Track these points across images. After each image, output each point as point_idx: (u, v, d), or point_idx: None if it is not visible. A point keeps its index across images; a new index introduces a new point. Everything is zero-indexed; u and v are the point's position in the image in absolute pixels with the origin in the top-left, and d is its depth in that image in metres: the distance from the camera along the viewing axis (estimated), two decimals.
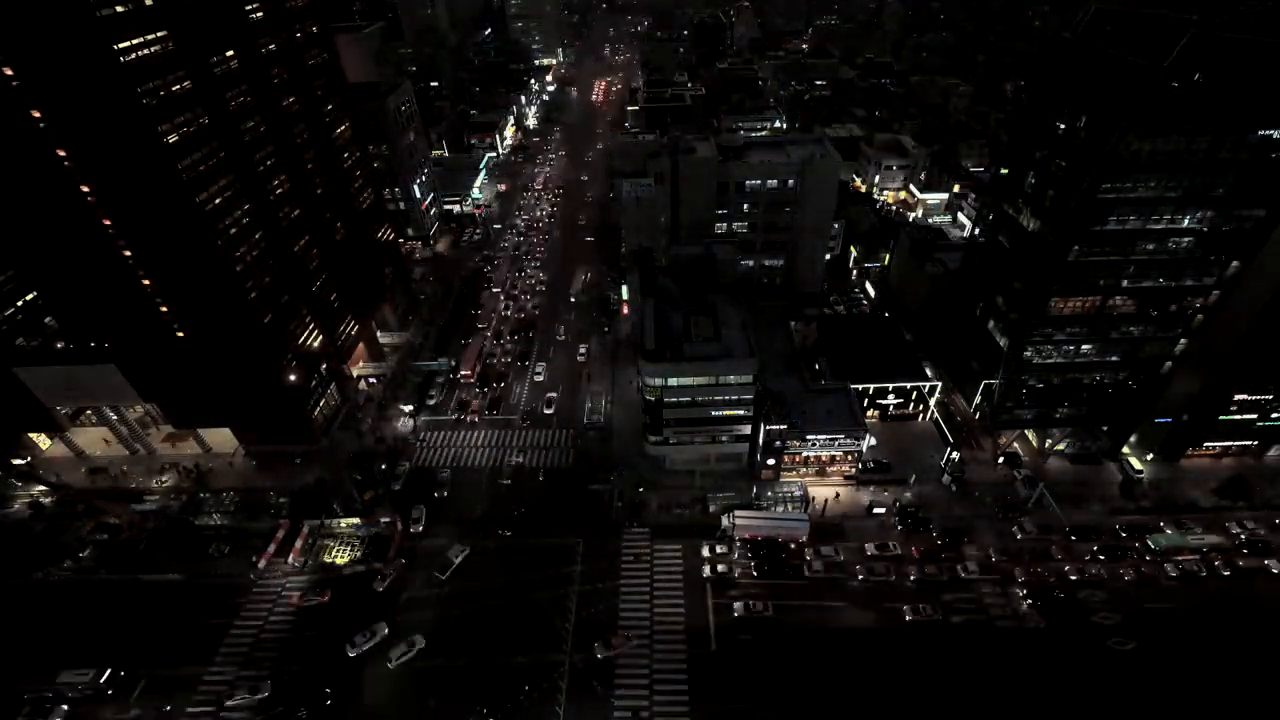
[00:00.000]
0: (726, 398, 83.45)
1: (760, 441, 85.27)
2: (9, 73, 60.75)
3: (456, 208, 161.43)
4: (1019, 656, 67.64)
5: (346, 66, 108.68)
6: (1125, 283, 74.96)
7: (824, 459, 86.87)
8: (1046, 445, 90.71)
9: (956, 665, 66.88)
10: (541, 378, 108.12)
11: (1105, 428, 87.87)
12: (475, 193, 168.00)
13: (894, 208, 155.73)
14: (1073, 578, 74.81)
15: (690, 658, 68.27)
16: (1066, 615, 71.15)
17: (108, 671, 66.79)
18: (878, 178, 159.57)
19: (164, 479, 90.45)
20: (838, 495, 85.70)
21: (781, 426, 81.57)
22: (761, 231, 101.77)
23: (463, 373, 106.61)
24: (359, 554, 79.03)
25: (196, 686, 66.77)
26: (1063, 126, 73.19)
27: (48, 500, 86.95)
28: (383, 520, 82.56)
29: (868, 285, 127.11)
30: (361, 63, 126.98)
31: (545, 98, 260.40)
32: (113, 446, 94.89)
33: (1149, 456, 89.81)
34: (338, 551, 79.56)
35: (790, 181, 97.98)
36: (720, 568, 76.93)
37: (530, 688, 65.53)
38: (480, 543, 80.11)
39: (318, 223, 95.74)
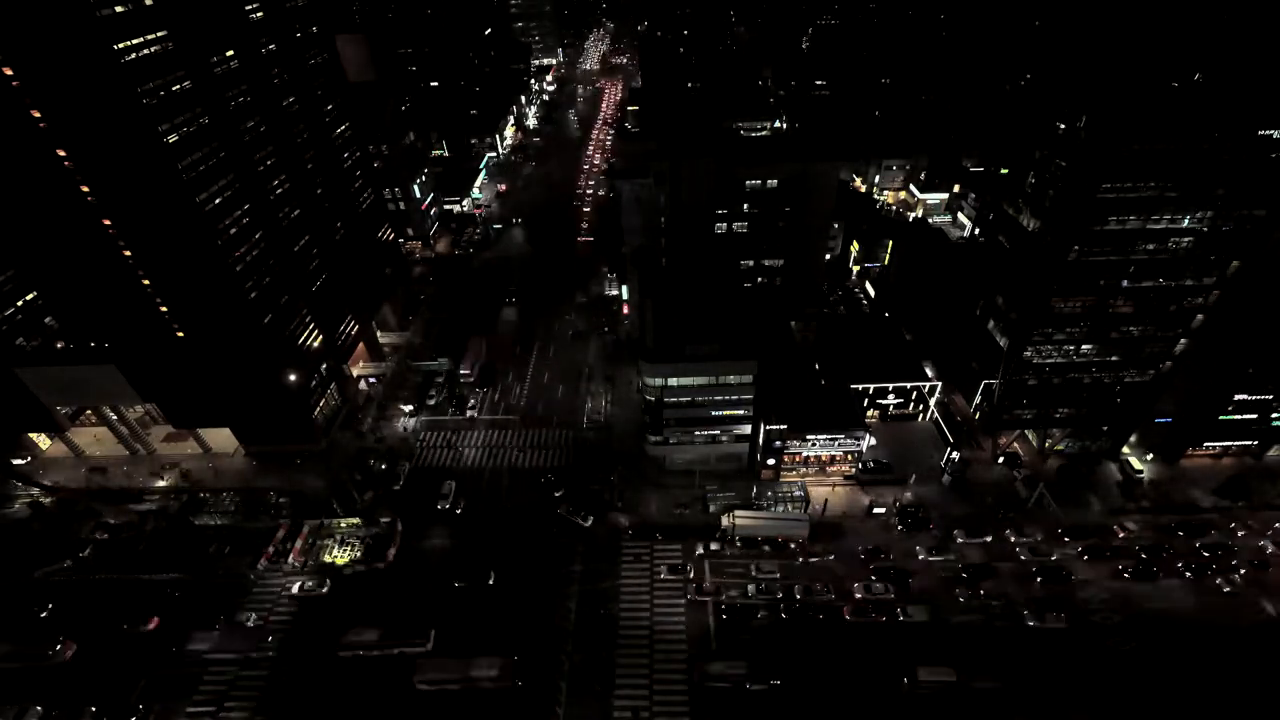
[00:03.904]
0: (726, 398, 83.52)
1: (760, 441, 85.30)
2: (9, 73, 60.75)
3: (456, 208, 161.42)
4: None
5: (346, 66, 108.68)
6: (1125, 283, 75.01)
7: (824, 459, 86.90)
8: (1046, 445, 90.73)
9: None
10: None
11: (1105, 428, 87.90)
12: (475, 193, 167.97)
13: (894, 208, 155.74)
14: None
15: (690, 657, 68.24)
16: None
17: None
18: (878, 178, 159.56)
19: (164, 480, 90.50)
20: (834, 488, 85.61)
21: (782, 426, 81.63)
22: (761, 231, 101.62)
23: (463, 371, 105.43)
24: (359, 554, 79.06)
25: (197, 687, 66.82)
26: (1063, 126, 73.20)
27: (47, 500, 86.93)
28: (383, 520, 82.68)
29: (868, 285, 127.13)
30: (361, 63, 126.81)
31: (545, 98, 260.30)
32: (113, 446, 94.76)
33: (1149, 456, 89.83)
34: (338, 552, 79.54)
35: (790, 182, 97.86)
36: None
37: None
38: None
39: (318, 223, 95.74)
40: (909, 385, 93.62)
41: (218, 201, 73.97)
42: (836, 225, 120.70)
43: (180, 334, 79.45)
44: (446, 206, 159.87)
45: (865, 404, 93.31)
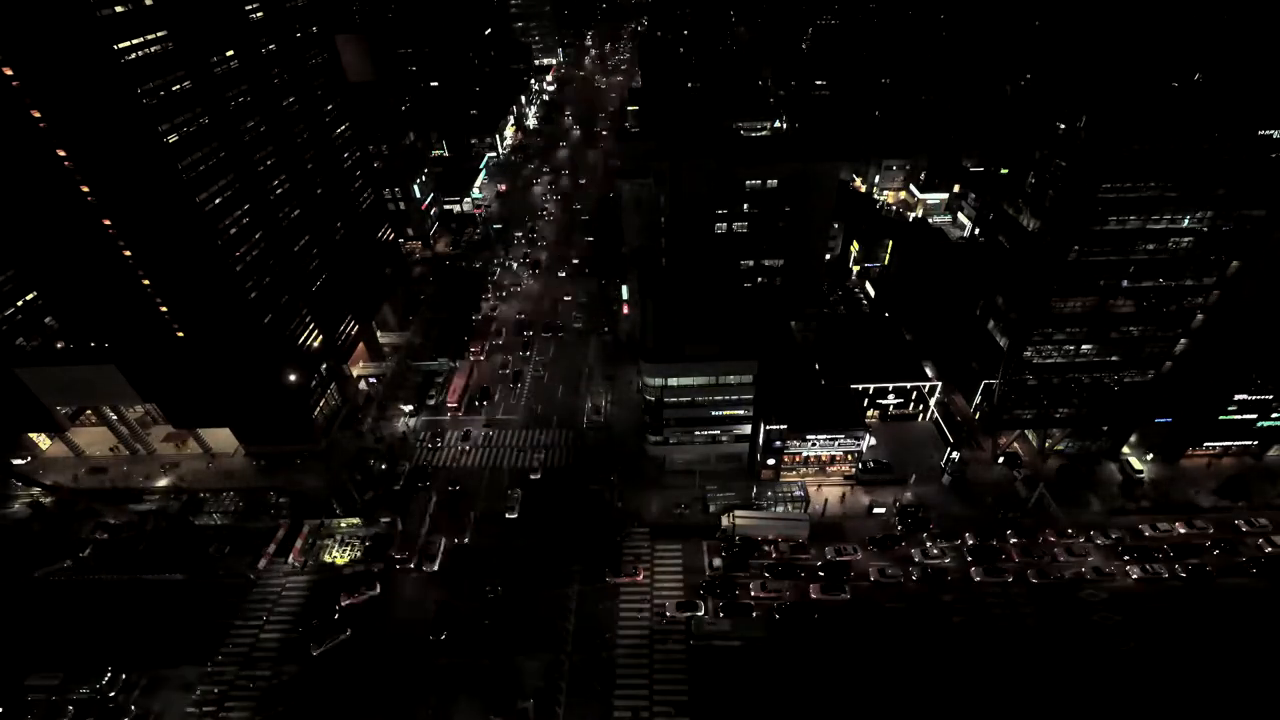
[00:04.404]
0: (726, 398, 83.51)
1: (760, 441, 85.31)
2: (9, 73, 60.75)
3: (456, 208, 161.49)
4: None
5: (346, 66, 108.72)
6: (1125, 283, 75.01)
7: (824, 459, 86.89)
8: (1046, 445, 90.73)
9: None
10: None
11: (1105, 428, 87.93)
12: (475, 193, 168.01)
13: (894, 208, 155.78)
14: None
15: (690, 657, 68.34)
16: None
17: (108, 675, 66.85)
18: (878, 178, 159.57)
19: (163, 480, 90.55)
20: (838, 494, 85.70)
21: (782, 426, 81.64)
22: (761, 231, 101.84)
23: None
24: (359, 554, 79.06)
25: (196, 687, 66.83)
26: (1063, 126, 73.19)
27: (47, 500, 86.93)
28: (383, 520, 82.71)
29: (868, 285, 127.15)
30: (361, 63, 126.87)
31: (545, 98, 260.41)
32: (113, 445, 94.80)
33: (1149, 456, 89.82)
34: (338, 552, 79.55)
35: (790, 182, 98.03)
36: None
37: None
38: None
39: (318, 223, 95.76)
40: (909, 385, 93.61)
41: (218, 201, 73.97)
42: (836, 225, 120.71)
43: (180, 334, 79.44)
44: (446, 206, 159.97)
45: (865, 404, 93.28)
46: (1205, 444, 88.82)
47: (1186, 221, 70.40)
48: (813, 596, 73.32)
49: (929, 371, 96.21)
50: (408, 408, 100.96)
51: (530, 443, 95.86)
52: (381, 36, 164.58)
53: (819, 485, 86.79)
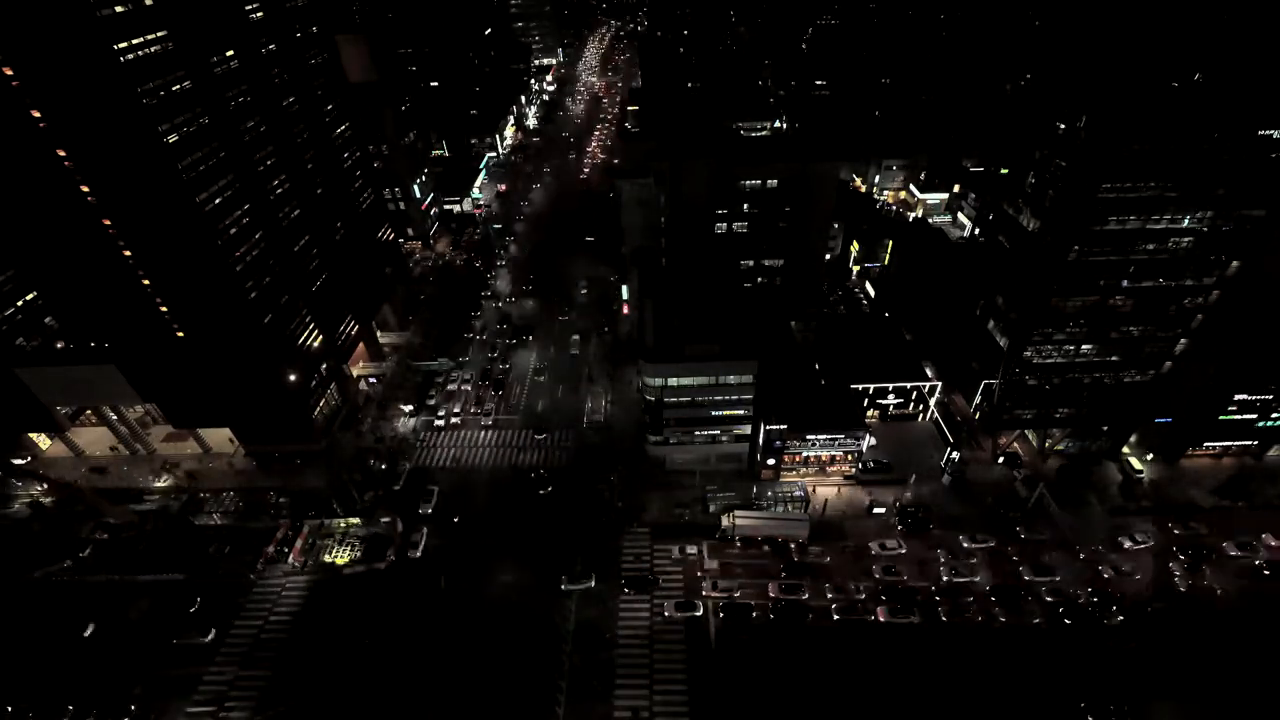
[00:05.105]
0: (726, 398, 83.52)
1: (760, 441, 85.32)
2: (9, 73, 60.74)
3: (456, 208, 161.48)
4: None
5: (347, 67, 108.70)
6: (1125, 283, 75.01)
7: (824, 459, 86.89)
8: (1046, 445, 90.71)
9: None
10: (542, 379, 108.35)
11: (1105, 428, 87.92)
12: (475, 193, 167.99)
13: (894, 208, 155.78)
14: None
15: (689, 657, 68.34)
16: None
17: None
18: (878, 178, 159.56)
19: (164, 480, 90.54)
20: (838, 491, 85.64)
21: (782, 426, 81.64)
22: (761, 231, 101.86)
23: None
24: (358, 554, 79.07)
25: (196, 687, 66.83)
26: (1063, 126, 73.18)
27: (47, 500, 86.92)
28: (383, 520, 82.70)
29: (868, 285, 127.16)
30: (362, 63, 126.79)
31: (545, 98, 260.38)
32: (113, 445, 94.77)
33: (1149, 456, 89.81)
34: (338, 551, 79.55)
35: (790, 182, 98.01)
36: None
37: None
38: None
39: (318, 223, 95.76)
40: (909, 385, 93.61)
41: (218, 201, 73.95)
42: (836, 225, 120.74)
43: (180, 334, 79.42)
44: (446, 206, 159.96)
45: (865, 404, 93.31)
46: (1205, 444, 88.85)
47: (1186, 221, 70.43)
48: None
49: (929, 371, 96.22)
50: (408, 408, 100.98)
51: (530, 442, 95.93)
52: (381, 36, 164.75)
53: (813, 487, 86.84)
